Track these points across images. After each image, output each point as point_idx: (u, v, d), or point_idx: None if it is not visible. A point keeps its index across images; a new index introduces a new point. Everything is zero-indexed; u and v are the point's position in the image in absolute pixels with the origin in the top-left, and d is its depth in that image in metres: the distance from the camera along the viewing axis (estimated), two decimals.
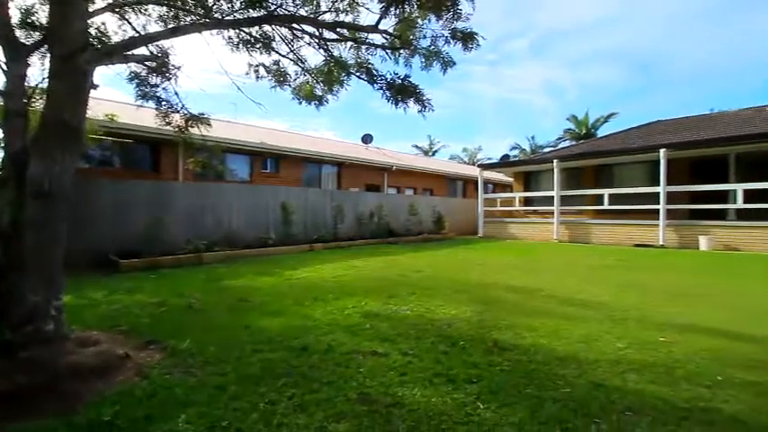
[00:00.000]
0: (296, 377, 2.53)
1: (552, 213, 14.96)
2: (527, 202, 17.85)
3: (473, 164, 34.76)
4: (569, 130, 33.43)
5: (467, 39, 5.17)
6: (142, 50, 4.57)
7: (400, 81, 5.14)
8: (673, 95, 52.50)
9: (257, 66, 6.26)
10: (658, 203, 12.25)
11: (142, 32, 5.22)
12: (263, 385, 2.42)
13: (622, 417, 2.06)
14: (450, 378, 2.50)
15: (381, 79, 5.32)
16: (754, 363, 2.81)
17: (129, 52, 3.90)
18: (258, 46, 5.94)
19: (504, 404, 2.17)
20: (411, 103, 5.22)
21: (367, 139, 22.56)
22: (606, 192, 13.88)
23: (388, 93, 5.20)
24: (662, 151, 12.33)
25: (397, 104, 5.17)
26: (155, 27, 5.44)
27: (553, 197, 14.98)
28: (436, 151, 42.08)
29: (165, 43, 5.49)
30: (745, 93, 52.79)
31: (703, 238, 11.33)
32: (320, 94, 6.48)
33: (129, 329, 3.54)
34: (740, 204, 11.12)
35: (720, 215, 12.06)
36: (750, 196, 10.97)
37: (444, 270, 7.38)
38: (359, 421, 2.00)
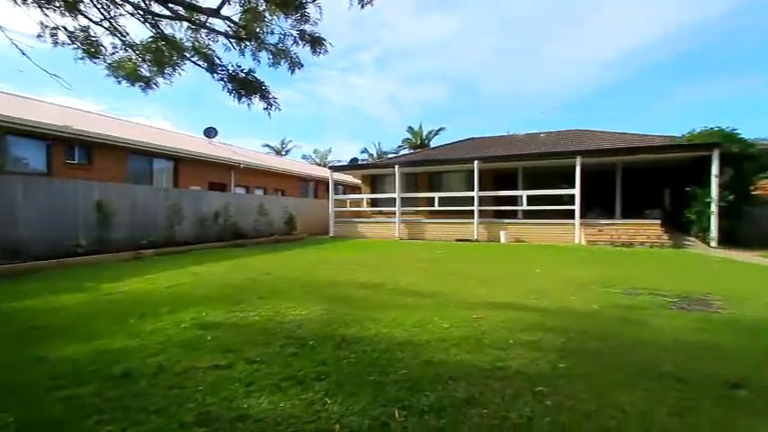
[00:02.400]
0: (114, 412, 2.12)
1: (395, 214, 16.51)
2: (374, 203, 19.21)
3: (324, 165, 35.40)
4: (407, 139, 37.48)
5: (315, 43, 5.25)
6: None
7: (244, 74, 4.87)
8: (487, 116, 64.62)
9: (55, 28, 4.97)
10: (473, 205, 14.94)
11: None
12: (64, 431, 1.94)
13: (446, 385, 2.45)
14: (299, 380, 2.50)
15: (223, 69, 4.93)
16: (533, 326, 3.72)
17: None
18: (58, 4, 4.72)
19: (351, 395, 2.30)
20: (256, 99, 5.00)
21: (210, 132, 20.37)
22: (437, 195, 16.13)
23: (230, 85, 4.86)
24: (475, 163, 15.08)
25: (240, 99, 4.88)
26: None
27: (395, 199, 16.55)
28: (288, 151, 41.27)
29: None
30: (532, 119, 68.89)
31: (503, 233, 14.34)
32: (147, 75, 5.57)
33: None
34: (525, 207, 14.52)
35: (513, 215, 15.48)
36: (531, 200, 14.46)
37: (295, 271, 7.31)
38: None
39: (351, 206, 18.90)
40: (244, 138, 69.76)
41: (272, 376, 2.55)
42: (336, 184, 24.02)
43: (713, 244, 11.79)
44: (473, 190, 15.19)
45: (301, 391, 2.36)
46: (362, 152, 40.50)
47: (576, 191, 13.53)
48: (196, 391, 2.35)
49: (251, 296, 4.94)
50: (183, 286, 5.70)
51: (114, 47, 5.38)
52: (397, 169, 16.70)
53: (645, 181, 16.17)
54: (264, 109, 5.23)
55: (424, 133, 36.86)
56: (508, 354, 2.99)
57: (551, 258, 9.70)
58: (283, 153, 40.18)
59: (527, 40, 55.05)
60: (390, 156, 36.40)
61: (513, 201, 15.37)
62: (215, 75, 5.14)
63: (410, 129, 37.40)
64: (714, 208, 11.80)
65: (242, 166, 17.58)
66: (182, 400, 2.25)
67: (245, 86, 4.93)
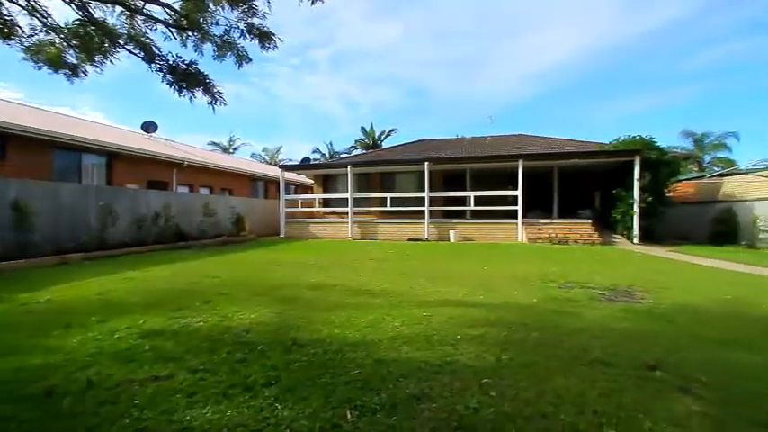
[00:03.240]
0: None
1: (347, 214, 16.45)
2: (326, 203, 19.00)
3: (275, 164, 34.36)
4: (360, 139, 37.50)
5: (264, 37, 5.09)
6: None
7: (185, 66, 4.59)
8: (436, 119, 66.39)
9: None
10: (424, 206, 15.30)
11: None
12: None
13: (398, 383, 2.49)
14: (247, 386, 2.42)
15: (162, 60, 4.62)
16: (479, 321, 3.89)
17: None
18: None
19: (302, 398, 2.27)
20: (199, 93, 4.74)
21: (149, 127, 18.86)
22: (389, 195, 16.31)
23: (170, 77, 4.56)
24: (426, 164, 15.45)
25: (180, 92, 4.60)
26: None
27: (348, 199, 16.50)
28: (236, 149, 39.52)
29: None
30: (478, 123, 71.86)
31: (452, 232, 14.84)
32: (74, 62, 5.08)
33: None
34: (473, 207, 15.13)
35: (462, 215, 16.07)
36: (479, 201, 15.10)
37: (243, 273, 7.04)
38: None
39: (303, 206, 18.54)
40: (189, 134, 65.91)
41: (217, 384, 2.44)
42: (288, 183, 23.41)
43: (635, 240, 13.08)
44: (424, 191, 15.55)
45: (250, 398, 2.28)
46: (314, 152, 39.85)
47: (519, 192, 14.35)
48: (132, 406, 2.18)
49: (195, 301, 4.68)
50: (117, 293, 5.26)
51: (33, 28, 4.83)
52: (349, 169, 16.66)
53: (578, 183, 17.53)
54: (209, 104, 4.97)
55: (377, 134, 37.11)
56: (456, 349, 3.10)
57: (497, 256, 10.20)
58: (231, 151, 38.41)
59: (471, 50, 57.59)
60: (343, 156, 36.20)
61: (462, 201, 15.95)
62: (152, 65, 4.79)
63: (363, 129, 37.47)
64: (636, 209, 13.10)
65: (186, 163, 16.55)
66: (114, 416, 2.08)
67: (187, 79, 4.65)
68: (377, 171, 18.73)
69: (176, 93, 4.69)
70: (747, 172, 12.67)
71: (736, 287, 5.90)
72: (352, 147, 38.19)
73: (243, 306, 4.45)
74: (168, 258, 9.14)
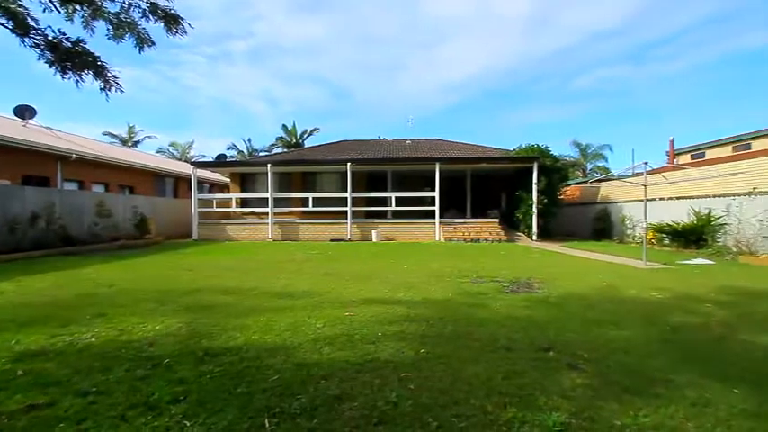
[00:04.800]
0: None
1: (267, 214, 15.77)
2: (244, 203, 17.98)
3: (186, 160, 31.44)
4: (281, 138, 36.14)
5: (171, 20, 4.66)
6: None
7: (71, 44, 3.99)
8: (358, 120, 66.86)
9: None
10: (347, 206, 15.35)
11: None
12: None
13: (318, 385, 2.47)
14: (150, 405, 2.19)
15: (39, 34, 3.96)
16: (400, 318, 4.03)
17: None
18: None
19: (215, 412, 2.12)
20: (89, 76, 4.17)
21: (25, 112, 15.80)
22: (311, 195, 16.02)
23: (49, 55, 3.93)
24: (348, 165, 15.51)
25: (64, 73, 4.00)
26: None
27: (268, 199, 15.82)
28: (138, 142, 35.25)
29: None
30: (398, 126, 74.15)
31: (374, 232, 15.12)
32: None
33: None
34: (394, 207, 15.59)
35: (384, 215, 16.45)
36: (400, 201, 15.60)
37: (147, 280, 6.34)
38: None
39: (218, 206, 17.29)
40: (79, 123, 56.87)
41: (113, 407, 2.17)
42: (201, 182, 21.62)
43: (534, 238, 14.69)
44: (346, 191, 15.58)
45: (153, 417, 2.07)
46: (230, 148, 37.27)
47: (437, 194, 15.16)
48: None
49: (84, 314, 4.09)
50: None
51: None
52: (269, 168, 15.98)
53: (488, 186, 19.09)
54: (102, 89, 4.38)
55: (299, 133, 36.08)
56: (377, 346, 3.18)
57: (416, 254, 10.65)
58: (131, 144, 34.19)
59: (392, 56, 59.46)
60: (263, 154, 34.54)
61: (384, 202, 16.33)
62: (27, 39, 4.08)
63: (284, 127, 36.12)
64: (535, 209, 14.71)
65: (74, 156, 14.26)
66: None
67: (72, 58, 4.04)
68: (299, 170, 18.26)
69: (59, 74, 4.05)
70: (618, 178, 15.07)
71: (610, 275, 6.96)
72: (273, 145, 36.64)
73: (146, 317, 4.01)
74: (50, 266, 7.84)
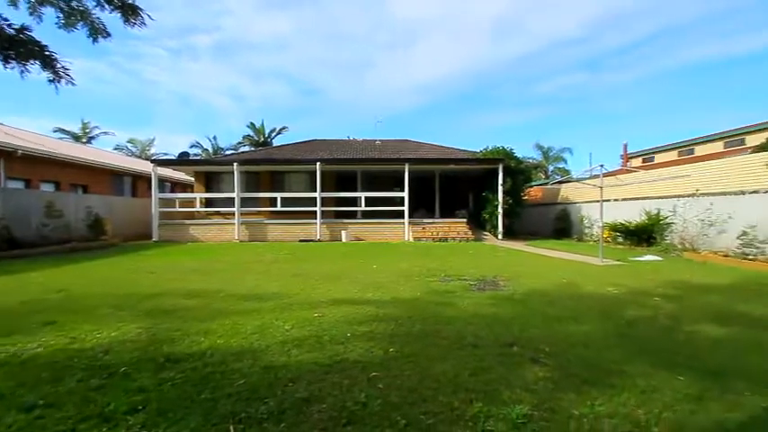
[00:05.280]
0: None
1: (234, 214, 15.31)
2: (209, 203, 17.37)
3: (146, 158, 29.92)
4: (248, 136, 35.21)
5: (129, 10, 4.44)
6: None
7: (14, 30, 3.73)
8: (328, 119, 66.22)
9: None
10: (316, 206, 15.18)
11: None
12: None
13: (286, 388, 2.43)
14: (105, 417, 2.07)
15: None
16: (369, 318, 4.04)
17: None
18: None
19: (176, 420, 2.04)
20: (36, 66, 3.90)
21: None
22: (279, 195, 15.71)
23: None
24: (318, 164, 15.35)
25: (7, 62, 3.73)
26: None
27: (234, 199, 15.36)
28: (93, 138, 33.17)
29: None
30: (368, 126, 74.12)
31: (344, 232, 15.05)
32: None
33: None
34: (364, 207, 15.59)
35: (353, 215, 16.40)
36: (369, 201, 15.61)
37: (101, 285, 5.98)
38: None
39: (181, 206, 16.58)
40: (25, 117, 52.65)
41: (63, 421, 2.04)
42: (163, 180, 20.67)
43: (500, 237, 15.14)
44: (316, 191, 15.40)
45: (108, 429, 1.96)
46: (194, 146, 35.83)
47: (406, 194, 15.30)
48: None
49: (31, 323, 3.81)
50: None
51: None
52: (236, 167, 15.51)
53: (456, 186, 19.46)
54: (50, 81, 4.10)
55: (267, 131, 35.26)
56: (346, 347, 3.17)
57: (386, 254, 10.70)
58: (85, 141, 32.12)
59: (362, 55, 59.45)
60: (229, 152, 33.47)
61: (353, 202, 16.27)
62: None
63: (251, 125, 35.18)
64: (500, 209, 15.17)
65: (20, 152, 13.19)
66: None
67: (15, 47, 3.76)
68: (267, 170, 17.84)
69: (0, 63, 3.75)
70: (577, 180, 15.82)
71: (569, 272, 7.30)
72: (240, 143, 35.59)
73: (100, 323, 3.79)
74: None
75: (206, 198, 17.17)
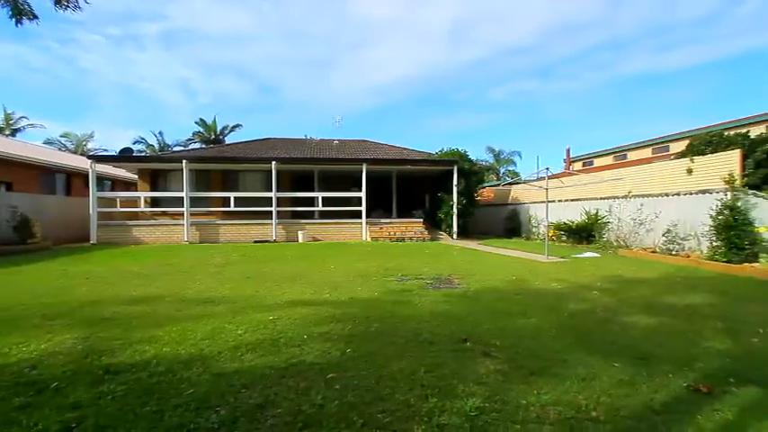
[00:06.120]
0: None
1: (182, 215, 14.50)
2: (155, 202, 16.32)
3: (83, 154, 27.46)
4: (199, 132, 33.53)
5: None
6: None
7: None
8: (284, 117, 64.65)
9: None
10: (272, 206, 14.77)
11: None
12: None
13: (239, 395, 2.35)
14: None
15: None
16: (326, 319, 4.00)
17: None
18: None
19: None
20: None
21: None
22: (232, 195, 15.09)
23: None
24: (273, 163, 14.95)
25: None
26: None
27: (183, 198, 14.54)
28: (18, 130, 29.90)
29: None
30: (325, 125, 73.24)
31: (301, 232, 14.77)
32: None
33: None
34: (321, 207, 15.40)
35: (311, 215, 16.15)
36: (327, 202, 15.44)
37: (28, 293, 5.42)
38: None
39: (123, 206, 15.41)
40: None
41: None
42: (102, 178, 19.09)
43: (455, 236, 15.60)
44: (271, 190, 14.98)
45: None
46: (138, 142, 33.38)
47: (363, 194, 15.31)
48: None
49: None
50: None
51: None
52: (185, 164, 14.67)
53: (413, 187, 19.79)
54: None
55: (219, 128, 33.73)
56: (303, 349, 3.12)
57: (343, 254, 10.64)
58: (8, 133, 28.87)
59: (321, 53, 58.76)
60: (177, 149, 31.62)
61: (311, 202, 16.01)
62: None
63: (202, 121, 33.46)
64: (455, 209, 15.64)
65: None
66: None
67: None
68: (219, 168, 17.05)
69: None
70: (525, 182, 16.71)
71: (518, 269, 7.69)
72: (190, 140, 33.73)
73: (28, 335, 3.44)
74: None
75: (151, 197, 16.11)
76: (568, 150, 33.25)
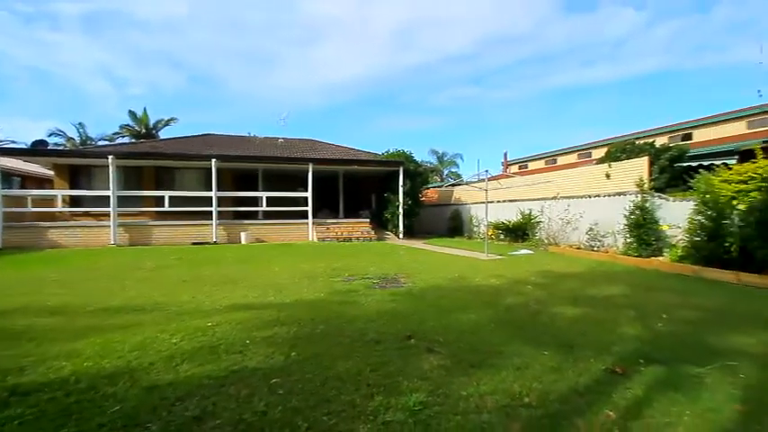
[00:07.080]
0: None
1: (109, 215, 13.23)
2: (75, 201, 14.72)
3: None
4: (127, 126, 30.82)
5: None
6: None
7: None
8: (225, 113, 61.37)
9: None
10: (212, 206, 13.99)
11: None
12: None
13: (174, 408, 2.20)
14: None
15: None
16: (270, 323, 3.88)
17: None
18: None
19: None
20: None
21: None
22: (167, 194, 14.07)
23: None
24: (213, 161, 14.18)
25: None
26: None
27: (109, 197, 13.27)
28: None
29: None
30: (270, 123, 70.86)
31: (243, 233, 14.17)
32: None
33: None
34: (265, 207, 14.89)
35: (254, 216, 15.55)
36: (271, 202, 14.96)
37: None
38: None
39: (37, 205, 13.69)
40: None
41: None
42: (10, 174, 16.78)
43: (401, 236, 15.90)
44: (211, 189, 14.18)
45: None
46: (54, 134, 29.83)
47: (309, 194, 15.05)
48: None
49: None
50: None
51: None
52: (111, 160, 13.37)
53: (360, 187, 19.84)
54: None
55: (152, 122, 31.23)
56: (245, 355, 3.01)
57: (289, 255, 10.38)
58: None
59: (265, 48, 56.75)
60: (102, 143, 28.74)
61: (254, 202, 15.41)
62: None
63: (132, 114, 30.74)
64: (401, 209, 15.94)
65: None
66: None
67: None
68: (152, 164, 15.77)
69: None
70: (466, 183, 17.49)
71: (460, 267, 8.04)
72: (117, 134, 30.86)
73: None
74: None
75: (71, 196, 14.50)
76: (506, 154, 35.43)
